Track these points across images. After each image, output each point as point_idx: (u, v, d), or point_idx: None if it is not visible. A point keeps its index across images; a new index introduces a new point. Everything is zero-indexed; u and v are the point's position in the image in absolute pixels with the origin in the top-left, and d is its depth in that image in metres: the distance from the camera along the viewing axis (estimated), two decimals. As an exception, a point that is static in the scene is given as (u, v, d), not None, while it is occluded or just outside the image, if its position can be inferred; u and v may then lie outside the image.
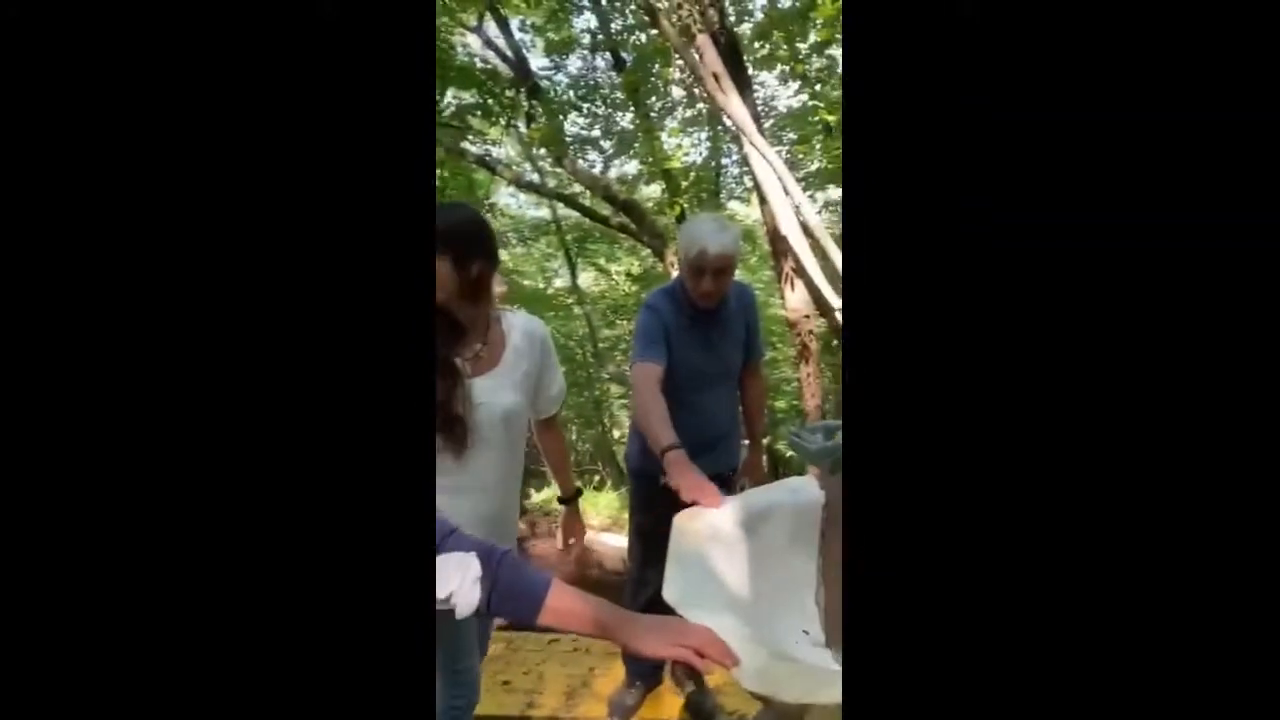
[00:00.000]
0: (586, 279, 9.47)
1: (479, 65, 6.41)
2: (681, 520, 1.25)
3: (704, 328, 1.84)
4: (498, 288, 3.31)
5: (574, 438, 8.78)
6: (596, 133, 7.45)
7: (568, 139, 7.04)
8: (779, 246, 4.93)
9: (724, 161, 7.89)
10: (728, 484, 1.91)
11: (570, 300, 8.93)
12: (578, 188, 7.78)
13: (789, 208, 2.98)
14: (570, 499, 1.63)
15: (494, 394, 1.31)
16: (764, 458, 2.12)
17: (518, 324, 1.40)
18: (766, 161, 2.86)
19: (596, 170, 7.57)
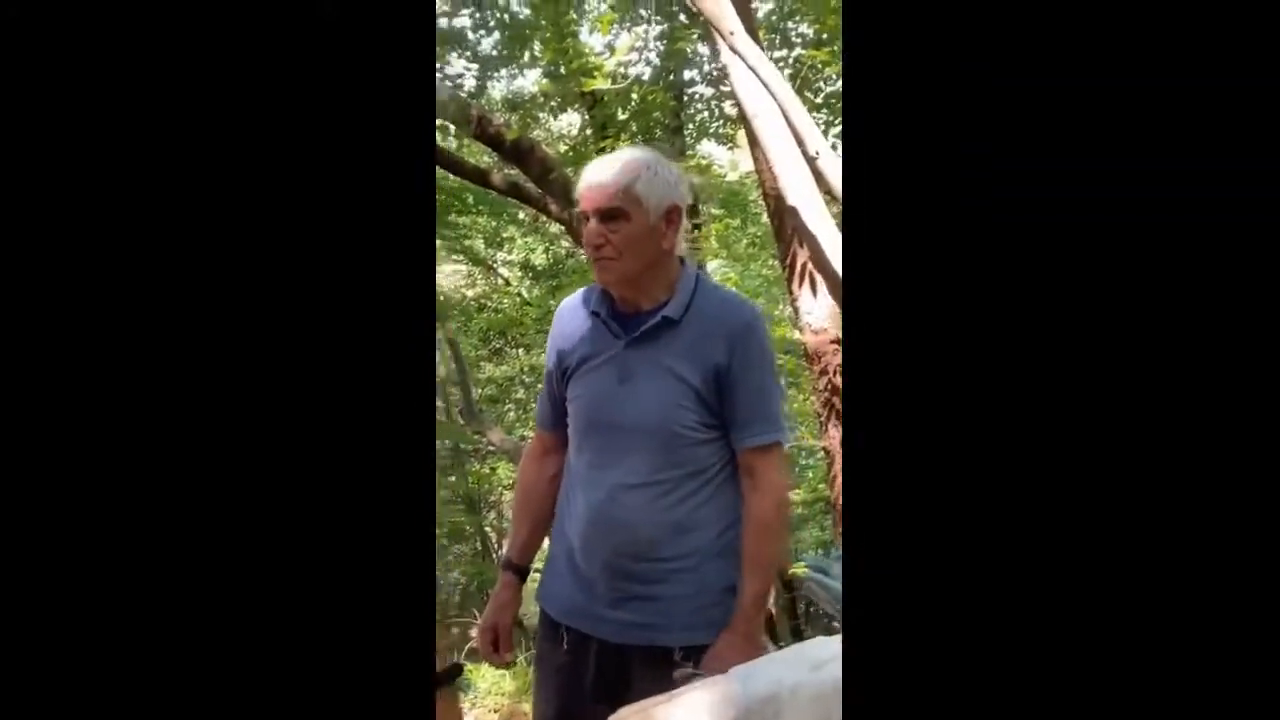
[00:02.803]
0: (451, 277, 9.80)
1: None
2: None
3: (628, 345, 2.03)
4: None
5: (445, 566, 8.98)
6: (465, 22, 7.83)
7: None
8: (784, 221, 5.01)
9: (690, 75, 8.36)
10: (658, 663, 1.94)
11: (422, 316, 9.21)
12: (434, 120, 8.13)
13: (795, 156, 3.11)
14: (441, 680, 1.79)
15: None
16: (761, 632, 2.17)
17: None
18: (757, 77, 2.96)
19: (468, 90, 7.91)
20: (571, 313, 2.17)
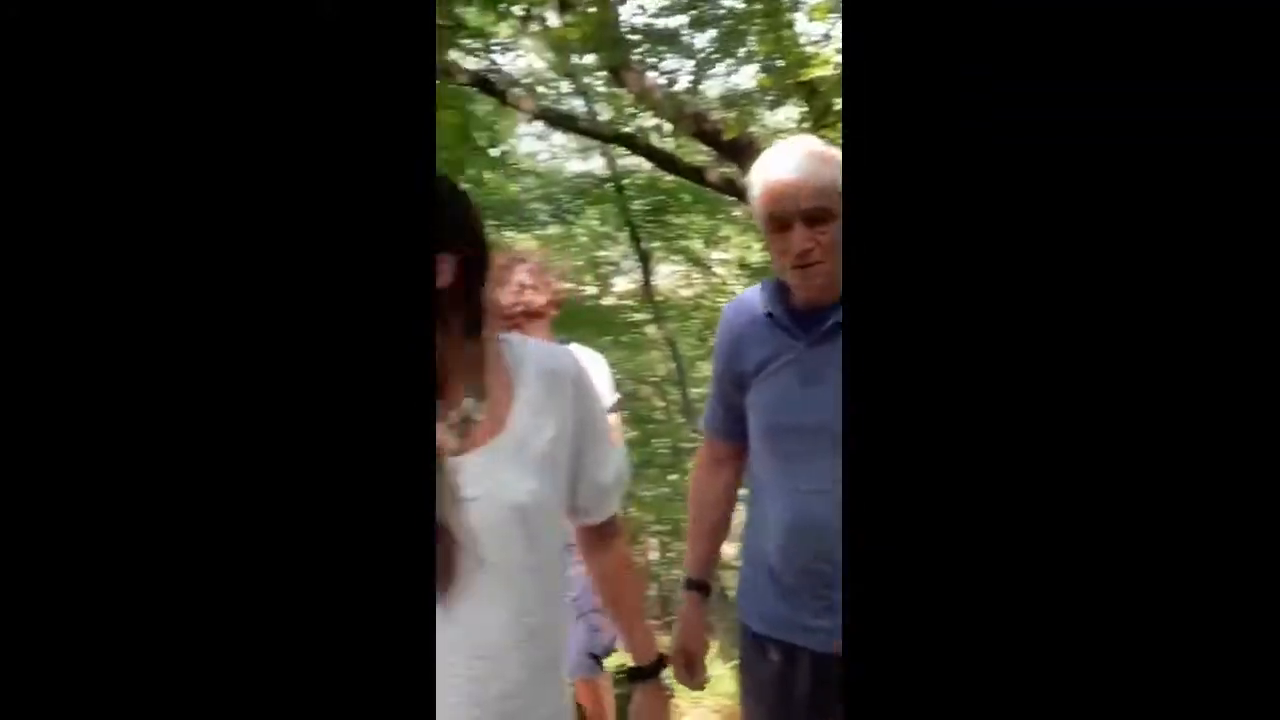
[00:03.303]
0: (668, 278, 9.90)
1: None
2: None
3: (809, 345, 1.95)
4: (556, 286, 3.25)
5: (655, 558, 9.08)
6: (681, 21, 7.87)
7: (629, 34, 7.48)
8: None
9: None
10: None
11: (641, 314, 9.35)
12: (650, 120, 8.20)
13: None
14: (648, 673, 1.72)
15: (497, 479, 1.41)
16: None
17: (534, 358, 1.51)
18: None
19: (683, 88, 7.95)
20: (741, 315, 2.09)
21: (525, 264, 3.21)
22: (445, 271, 1.39)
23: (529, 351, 1.52)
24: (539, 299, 3.17)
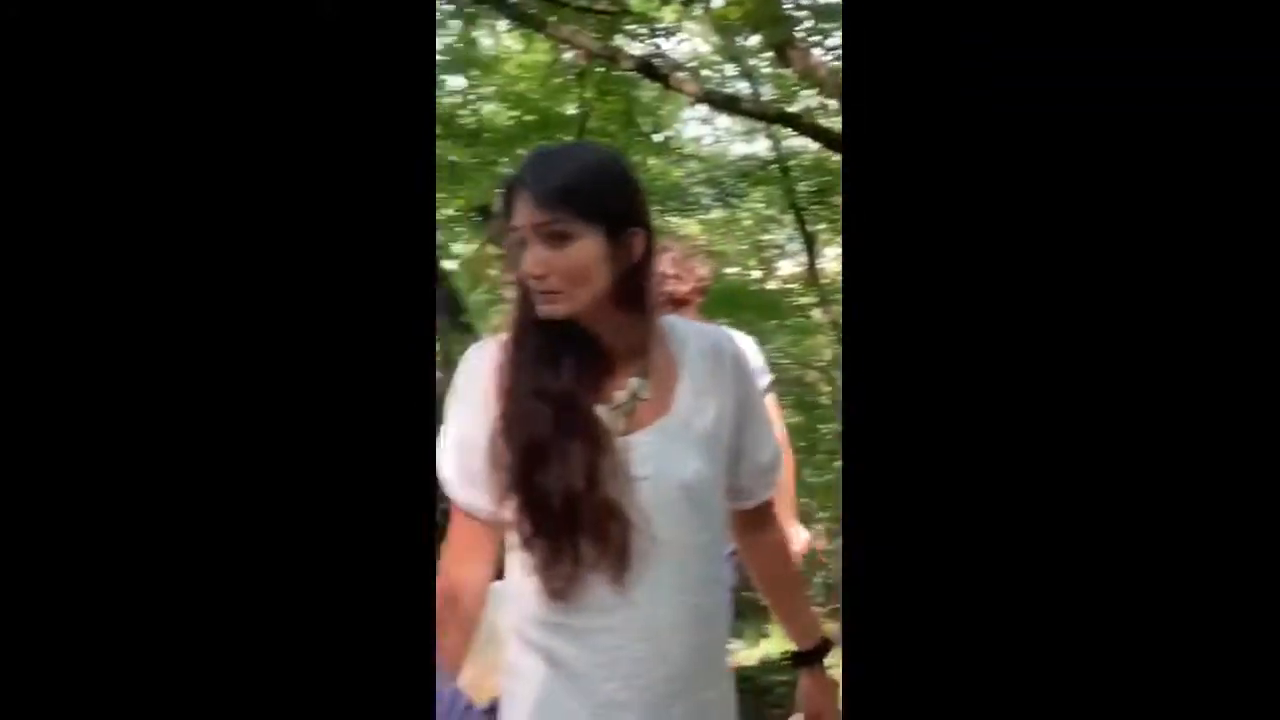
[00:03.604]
0: (836, 259, 9.74)
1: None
2: None
3: None
4: (699, 270, 3.25)
5: (823, 545, 8.99)
6: (847, -2, 7.70)
7: (793, 11, 7.36)
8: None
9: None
10: None
11: (807, 298, 9.24)
12: (815, 100, 8.08)
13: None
14: (811, 656, 1.69)
15: (664, 457, 1.42)
16: None
17: (694, 339, 1.52)
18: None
19: (848, 65, 7.79)
20: None
21: (668, 253, 3.21)
22: (638, 246, 1.41)
23: (689, 332, 1.54)
24: (682, 288, 3.19)
